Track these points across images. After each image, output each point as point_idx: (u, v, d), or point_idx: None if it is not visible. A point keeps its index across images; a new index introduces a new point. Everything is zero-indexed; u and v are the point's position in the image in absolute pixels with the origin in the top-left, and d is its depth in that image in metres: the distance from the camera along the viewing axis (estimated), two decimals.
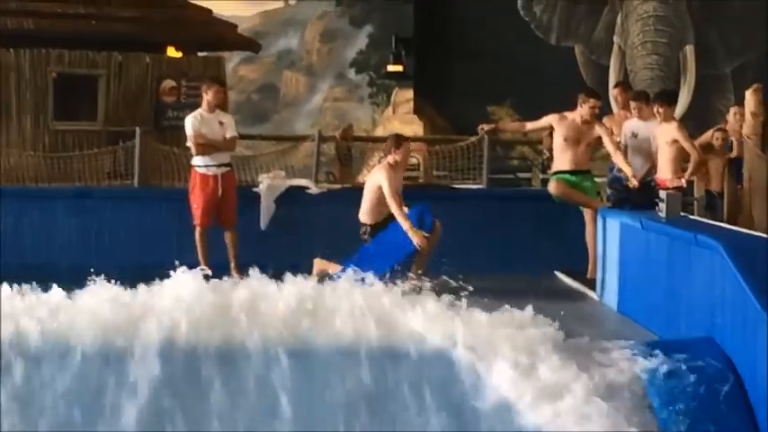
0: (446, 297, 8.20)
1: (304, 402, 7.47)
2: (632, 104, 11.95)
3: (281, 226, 12.79)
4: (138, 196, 14.11)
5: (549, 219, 12.26)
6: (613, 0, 23.19)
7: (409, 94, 24.04)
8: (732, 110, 13.01)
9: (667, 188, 10.65)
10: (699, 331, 8.23)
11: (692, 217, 10.66)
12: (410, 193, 11.34)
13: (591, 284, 11.29)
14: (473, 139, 15.65)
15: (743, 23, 22.88)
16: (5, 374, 7.44)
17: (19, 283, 8.09)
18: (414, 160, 16.28)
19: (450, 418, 7.46)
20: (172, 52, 17.08)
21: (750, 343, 7.43)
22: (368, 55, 25.19)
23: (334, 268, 10.56)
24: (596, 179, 11.99)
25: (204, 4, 18.94)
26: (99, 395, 7.49)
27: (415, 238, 10.53)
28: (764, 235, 9.17)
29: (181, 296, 7.96)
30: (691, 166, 11.31)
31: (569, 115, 11.63)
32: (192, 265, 8.52)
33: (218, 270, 9.38)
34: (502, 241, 12.44)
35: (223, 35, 18.61)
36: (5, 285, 8.04)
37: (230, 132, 11.71)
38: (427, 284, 8.57)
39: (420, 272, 10.30)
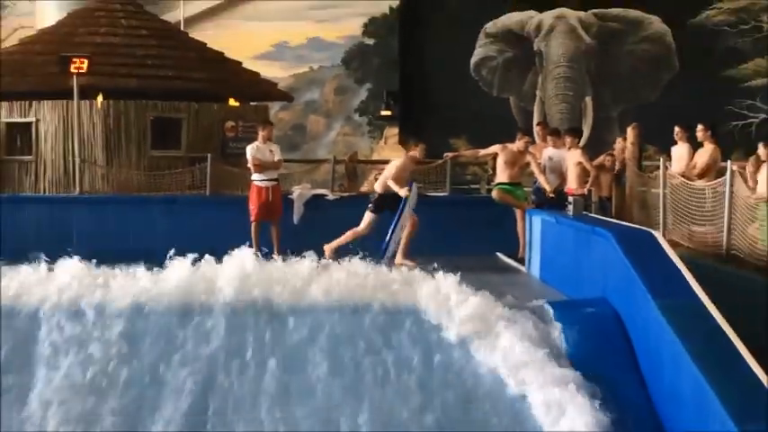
0: (423, 269, 8.27)
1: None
2: (549, 138, 11.98)
3: (308, 222, 12.80)
4: (210, 202, 14.19)
5: (493, 216, 12.23)
6: (536, 66, 23.21)
7: (395, 130, 23.99)
8: (618, 141, 13.04)
9: (574, 195, 10.69)
10: (595, 293, 8.27)
11: (590, 215, 10.71)
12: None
13: (521, 261, 11.32)
14: (440, 161, 15.61)
15: (626, 81, 22.90)
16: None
17: (128, 264, 8.31)
18: None
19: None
20: (232, 102, 17.01)
21: (631, 301, 7.49)
22: (367, 104, 25.07)
23: (338, 244, 10.57)
24: (525, 189, 12.00)
25: (255, 69, 18.97)
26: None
27: (401, 192, 10.69)
28: (640, 227, 9.21)
29: (242, 267, 8.11)
30: (590, 180, 11.36)
31: (509, 145, 11.65)
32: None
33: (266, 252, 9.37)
34: (460, 232, 12.42)
35: (267, 90, 18.51)
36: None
37: (278, 156, 11.76)
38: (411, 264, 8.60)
39: (404, 258, 10.41)
